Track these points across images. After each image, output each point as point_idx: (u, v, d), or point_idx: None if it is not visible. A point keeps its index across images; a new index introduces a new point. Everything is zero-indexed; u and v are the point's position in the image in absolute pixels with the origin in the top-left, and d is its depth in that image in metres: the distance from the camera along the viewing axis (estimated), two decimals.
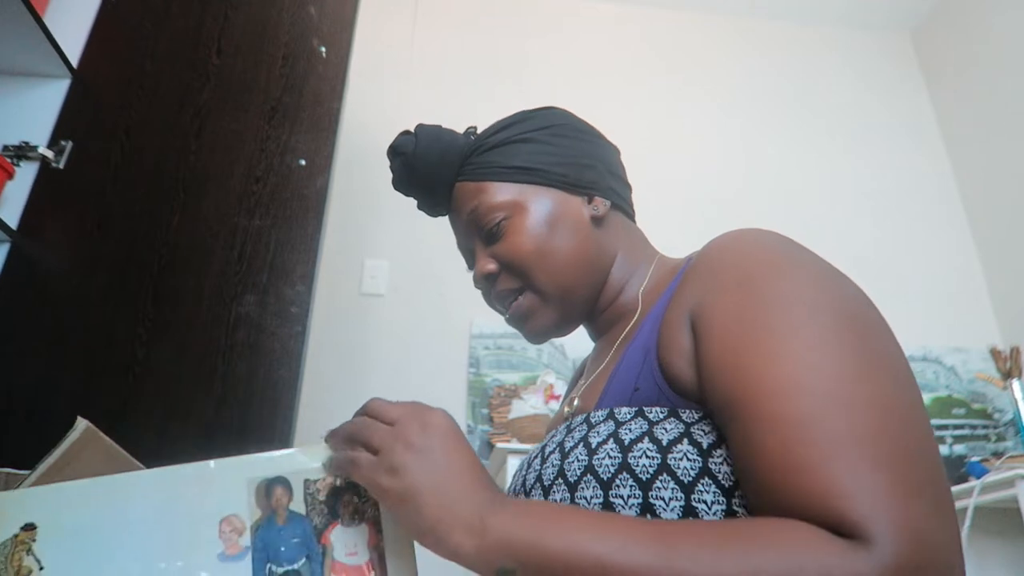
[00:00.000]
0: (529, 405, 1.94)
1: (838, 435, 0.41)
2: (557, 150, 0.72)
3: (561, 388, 2.01)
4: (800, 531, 0.39)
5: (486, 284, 0.71)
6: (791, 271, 0.51)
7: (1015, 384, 2.18)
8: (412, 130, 0.76)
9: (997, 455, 2.08)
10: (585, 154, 0.73)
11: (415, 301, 2.31)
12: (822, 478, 0.40)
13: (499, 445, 1.78)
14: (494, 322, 2.28)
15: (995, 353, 2.26)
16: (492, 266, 0.70)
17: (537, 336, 0.72)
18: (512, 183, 0.70)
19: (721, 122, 2.83)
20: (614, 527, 0.43)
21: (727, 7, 3.05)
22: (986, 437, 2.32)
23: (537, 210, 0.69)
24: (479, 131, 0.77)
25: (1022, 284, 2.49)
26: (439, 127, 0.76)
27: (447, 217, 0.79)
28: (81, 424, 0.60)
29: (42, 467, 0.57)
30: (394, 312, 2.29)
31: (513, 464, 1.66)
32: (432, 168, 0.73)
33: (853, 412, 0.42)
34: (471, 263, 0.76)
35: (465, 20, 2.86)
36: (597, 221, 0.71)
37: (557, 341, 2.29)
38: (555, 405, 1.96)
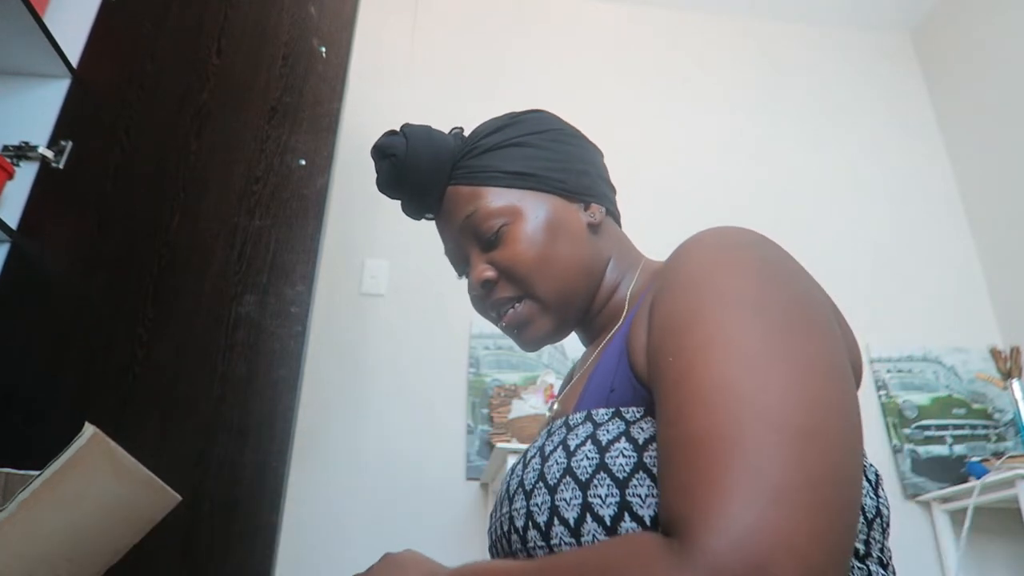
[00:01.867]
0: (529, 405, 1.95)
1: (701, 432, 0.40)
2: (552, 155, 0.71)
3: None
4: (631, 544, 0.40)
5: (483, 291, 0.70)
6: (736, 268, 0.49)
7: (1015, 384, 2.18)
8: (399, 130, 0.74)
9: (997, 455, 2.08)
10: (579, 159, 0.73)
11: (415, 301, 2.31)
12: (672, 474, 0.41)
13: (499, 445, 1.78)
14: None
15: (995, 353, 2.27)
16: (491, 273, 0.69)
17: (532, 344, 0.71)
18: (509, 188, 0.69)
19: (720, 122, 2.83)
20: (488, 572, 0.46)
21: (727, 7, 3.05)
22: (986, 437, 2.32)
23: (536, 217, 0.68)
24: (466, 132, 0.76)
25: (1022, 284, 2.49)
26: (428, 127, 0.74)
27: (434, 221, 0.77)
28: (88, 430, 0.59)
29: (47, 472, 0.56)
30: (394, 312, 2.29)
31: (512, 464, 1.66)
32: (423, 170, 0.71)
33: (727, 410, 0.40)
34: (461, 269, 0.75)
35: (465, 20, 2.86)
36: (593, 228, 0.71)
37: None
38: None
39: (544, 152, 0.71)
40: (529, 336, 0.70)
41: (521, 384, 2.20)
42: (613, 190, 0.78)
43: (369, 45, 2.50)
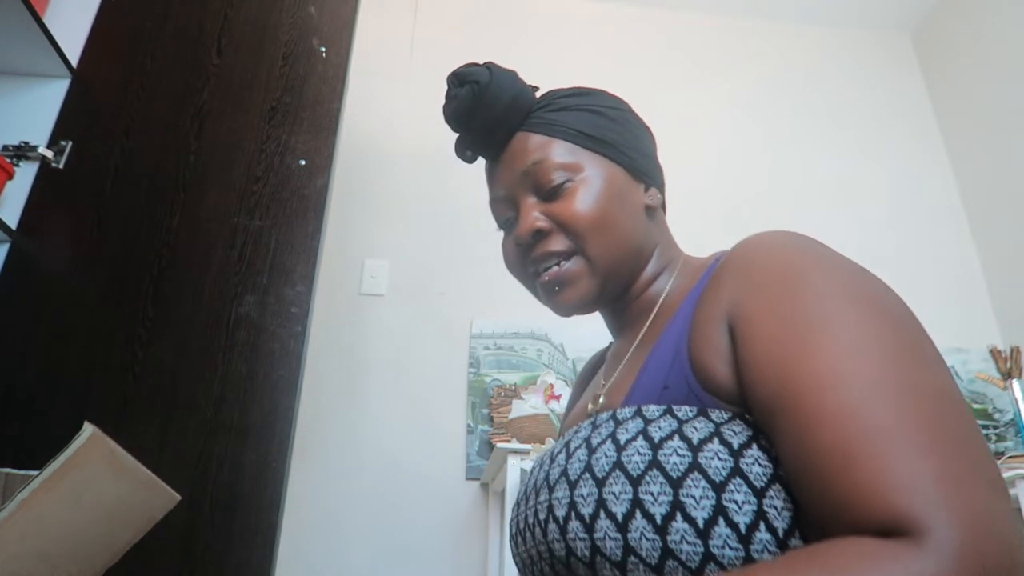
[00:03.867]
0: (529, 405, 1.94)
1: (888, 425, 0.41)
2: (627, 133, 0.72)
3: (561, 388, 2.01)
4: (854, 547, 0.39)
5: (531, 241, 0.68)
6: (827, 268, 0.52)
7: (1015, 384, 2.18)
8: (480, 63, 0.72)
9: (997, 455, 2.08)
10: (646, 145, 0.74)
11: (415, 301, 2.31)
12: (876, 471, 0.40)
13: (499, 445, 1.78)
14: (494, 322, 2.28)
15: (995, 353, 2.27)
16: (544, 223, 0.68)
17: (568, 307, 0.70)
18: (582, 148, 0.69)
19: (719, 122, 2.83)
20: None
21: (726, 8, 3.05)
22: (986, 437, 2.32)
23: (603, 181, 0.68)
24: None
25: (1022, 284, 2.49)
26: (513, 71, 0.73)
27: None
28: (87, 429, 0.59)
29: (47, 472, 0.57)
30: (394, 312, 2.29)
31: (513, 464, 1.66)
32: (501, 106, 0.69)
33: (901, 401, 0.42)
34: (503, 220, 0.74)
35: (465, 20, 2.86)
36: (650, 212, 0.72)
37: (556, 340, 2.29)
38: (555, 405, 1.96)
39: (618, 126, 0.71)
40: (568, 297, 0.68)
41: (521, 384, 2.20)
42: (664, 184, 0.78)
43: (369, 45, 2.50)
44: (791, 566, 0.39)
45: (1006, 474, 1.85)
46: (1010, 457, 1.93)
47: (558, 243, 0.67)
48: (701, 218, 2.48)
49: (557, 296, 0.69)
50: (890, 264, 2.59)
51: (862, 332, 0.46)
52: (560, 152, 0.68)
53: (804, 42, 3.07)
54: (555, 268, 0.68)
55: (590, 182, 0.67)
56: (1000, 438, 2.32)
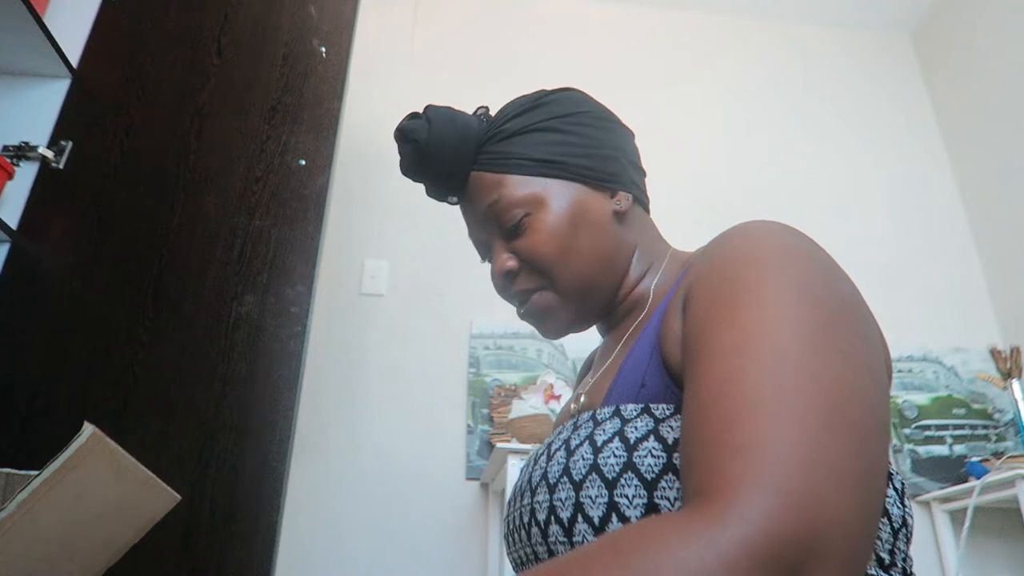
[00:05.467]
0: (529, 405, 1.94)
1: (763, 395, 0.40)
2: (580, 140, 0.69)
3: (561, 388, 2.01)
4: (647, 524, 0.37)
5: (505, 281, 0.70)
6: (782, 254, 0.50)
7: (1015, 384, 2.18)
8: (421, 112, 0.71)
9: (997, 455, 2.08)
10: (607, 144, 0.71)
11: (415, 301, 2.31)
12: (725, 431, 0.39)
13: (499, 445, 1.78)
14: (494, 322, 2.28)
15: (995, 353, 2.27)
16: (512, 263, 0.68)
17: (553, 333, 0.71)
18: (533, 176, 0.68)
19: (719, 123, 2.83)
20: None
21: (726, 7, 3.05)
22: (986, 437, 2.32)
23: (560, 207, 0.67)
24: (491, 112, 0.75)
25: (1022, 284, 2.49)
26: (451, 109, 0.71)
27: (457, 207, 0.76)
28: (87, 429, 0.59)
29: (46, 472, 0.57)
30: (394, 312, 2.29)
31: (513, 464, 1.66)
32: (446, 156, 0.69)
33: (790, 377, 0.40)
34: (484, 255, 0.75)
35: (465, 19, 2.86)
36: (619, 217, 0.70)
37: (557, 341, 2.29)
38: (555, 405, 1.96)
39: (570, 137, 0.69)
40: (549, 326, 0.70)
41: (521, 384, 2.20)
42: (643, 173, 0.76)
43: (369, 45, 2.50)
44: (587, 551, 0.36)
45: (1006, 474, 1.85)
46: (1010, 457, 1.93)
47: (528, 281, 0.68)
48: (700, 218, 2.48)
49: (540, 326, 0.71)
50: (890, 264, 2.60)
51: (786, 313, 0.44)
52: (513, 187, 0.67)
53: (804, 42, 3.07)
54: (529, 302, 0.69)
55: (549, 211, 0.66)
56: (1000, 438, 2.32)
